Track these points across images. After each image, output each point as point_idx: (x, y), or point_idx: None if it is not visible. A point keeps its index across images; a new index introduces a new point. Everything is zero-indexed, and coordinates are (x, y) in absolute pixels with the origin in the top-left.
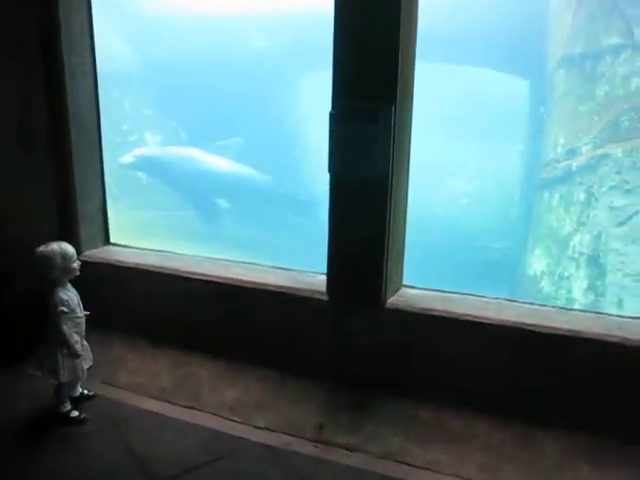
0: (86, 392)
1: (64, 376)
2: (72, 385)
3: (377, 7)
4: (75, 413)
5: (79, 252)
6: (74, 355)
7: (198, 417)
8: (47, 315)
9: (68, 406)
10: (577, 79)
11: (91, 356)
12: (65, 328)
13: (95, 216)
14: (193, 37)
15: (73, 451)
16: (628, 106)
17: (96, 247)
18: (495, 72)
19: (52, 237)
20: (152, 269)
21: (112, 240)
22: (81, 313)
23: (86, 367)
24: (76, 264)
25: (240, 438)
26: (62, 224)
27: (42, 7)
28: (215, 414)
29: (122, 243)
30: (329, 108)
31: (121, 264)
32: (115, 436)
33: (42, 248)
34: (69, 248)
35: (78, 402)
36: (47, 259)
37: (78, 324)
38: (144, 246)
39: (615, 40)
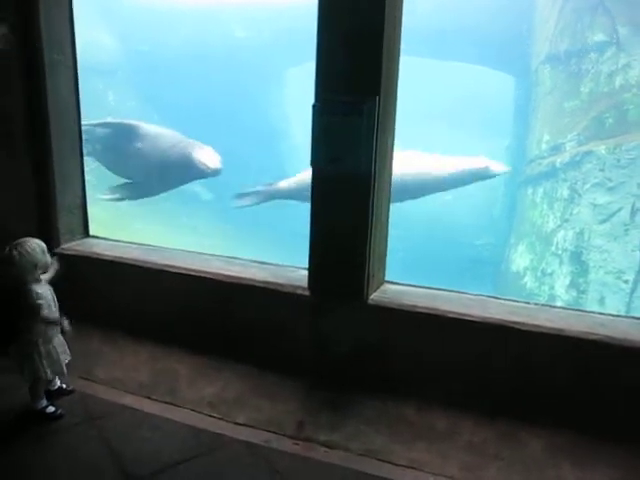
0: (64, 386)
1: (47, 373)
2: (49, 381)
3: None
4: (52, 409)
5: (57, 244)
6: (66, 330)
7: (176, 413)
8: (19, 315)
9: (44, 402)
10: (562, 76)
11: (68, 351)
12: (46, 312)
13: (74, 208)
14: (177, 28)
15: (49, 447)
16: (612, 103)
17: (75, 239)
18: (482, 68)
19: (30, 228)
20: (131, 262)
21: (91, 232)
22: (55, 308)
23: (65, 362)
24: (49, 258)
25: (219, 435)
26: (40, 216)
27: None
28: (194, 410)
29: (102, 235)
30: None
31: (100, 257)
32: (92, 432)
33: (20, 249)
34: (42, 242)
35: (56, 396)
36: (30, 258)
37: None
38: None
39: (600, 37)
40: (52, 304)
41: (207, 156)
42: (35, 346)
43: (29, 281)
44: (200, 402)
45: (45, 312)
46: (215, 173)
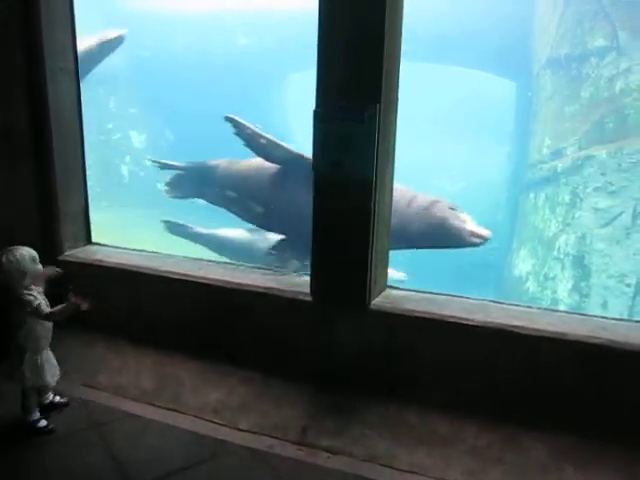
0: (57, 399)
1: (29, 379)
2: (40, 393)
3: (362, 6)
4: (43, 423)
5: (60, 251)
6: (79, 307)
7: (180, 419)
8: (13, 323)
9: (36, 415)
10: (563, 81)
11: (57, 366)
12: (38, 305)
13: (77, 215)
14: (179, 34)
15: (52, 454)
16: (613, 108)
17: (77, 246)
18: (484, 73)
19: (32, 236)
20: (134, 269)
21: (94, 239)
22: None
23: (55, 378)
24: (40, 266)
25: (223, 441)
26: (43, 223)
27: (23, 5)
28: (197, 416)
29: (104, 242)
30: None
31: (102, 264)
32: (95, 439)
33: (8, 256)
34: (32, 250)
35: (48, 410)
36: (18, 266)
37: (47, 328)
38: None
39: (600, 42)
40: (44, 303)
41: (473, 223)
42: (26, 352)
43: (18, 288)
44: (204, 408)
45: (36, 304)
46: (484, 243)
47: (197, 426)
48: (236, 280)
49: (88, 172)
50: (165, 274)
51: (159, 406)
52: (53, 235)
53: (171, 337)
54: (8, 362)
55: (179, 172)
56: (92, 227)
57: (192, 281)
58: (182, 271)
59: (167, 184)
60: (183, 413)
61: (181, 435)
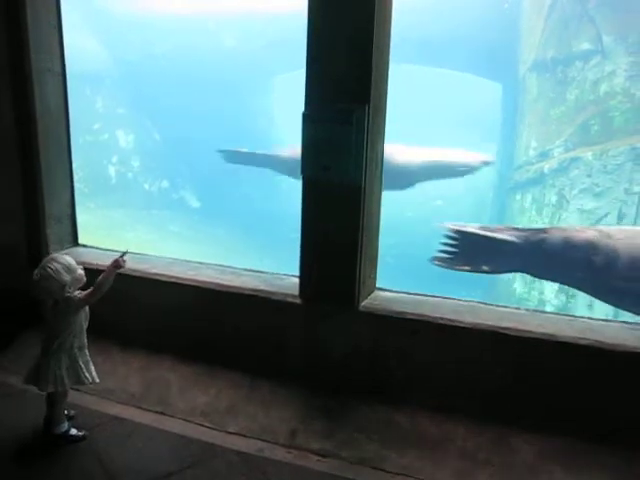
0: (65, 412)
1: (67, 383)
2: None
3: (351, 8)
4: (74, 431)
5: (46, 253)
6: (119, 266)
7: (168, 423)
8: (46, 326)
9: (65, 426)
10: (549, 83)
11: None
12: (88, 292)
13: (63, 216)
14: (165, 38)
15: (38, 460)
16: (597, 110)
17: (64, 248)
18: (470, 75)
19: (19, 238)
20: (121, 271)
21: (80, 241)
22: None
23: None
24: (80, 271)
25: (211, 444)
26: (29, 224)
27: (9, 5)
28: (186, 420)
29: (90, 244)
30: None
31: (89, 266)
32: (82, 444)
33: (43, 270)
34: (67, 258)
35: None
36: (54, 279)
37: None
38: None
39: (585, 46)
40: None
41: None
42: (71, 350)
43: (62, 295)
44: (192, 411)
45: (78, 297)
46: None
47: (186, 429)
48: (225, 282)
49: (75, 173)
50: (153, 276)
51: (147, 409)
52: (39, 237)
53: (159, 340)
54: (41, 374)
55: (499, 242)
56: (79, 228)
57: (181, 283)
58: (171, 273)
59: (457, 254)
60: (171, 416)
61: (169, 439)
